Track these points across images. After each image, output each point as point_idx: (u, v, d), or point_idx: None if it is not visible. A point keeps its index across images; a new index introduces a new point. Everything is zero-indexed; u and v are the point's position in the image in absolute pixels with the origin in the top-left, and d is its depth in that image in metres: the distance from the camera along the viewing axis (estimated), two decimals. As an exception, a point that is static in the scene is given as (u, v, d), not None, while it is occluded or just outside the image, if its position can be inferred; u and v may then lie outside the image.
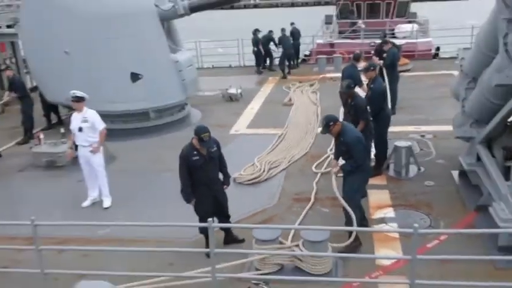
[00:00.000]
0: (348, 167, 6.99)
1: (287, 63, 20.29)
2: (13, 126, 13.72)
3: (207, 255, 5.89)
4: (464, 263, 6.22)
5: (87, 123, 8.85)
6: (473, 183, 8.45)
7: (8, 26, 16.49)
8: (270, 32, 21.05)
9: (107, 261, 6.73)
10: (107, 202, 9.14)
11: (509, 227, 6.44)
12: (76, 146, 9.18)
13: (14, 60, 17.81)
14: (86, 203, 9.22)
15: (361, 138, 7.09)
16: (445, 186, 8.99)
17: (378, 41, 16.77)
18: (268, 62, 21.45)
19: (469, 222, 7.65)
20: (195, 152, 6.70)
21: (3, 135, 13.77)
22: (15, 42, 17.38)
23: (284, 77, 19.45)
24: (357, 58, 12.36)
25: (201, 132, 6.55)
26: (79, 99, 8.91)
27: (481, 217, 7.59)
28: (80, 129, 8.85)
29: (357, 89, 10.02)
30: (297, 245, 6.54)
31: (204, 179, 6.83)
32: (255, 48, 20.58)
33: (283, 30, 20.46)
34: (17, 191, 10.40)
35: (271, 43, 20.86)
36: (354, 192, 7.10)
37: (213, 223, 5.36)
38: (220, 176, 7.18)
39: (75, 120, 8.99)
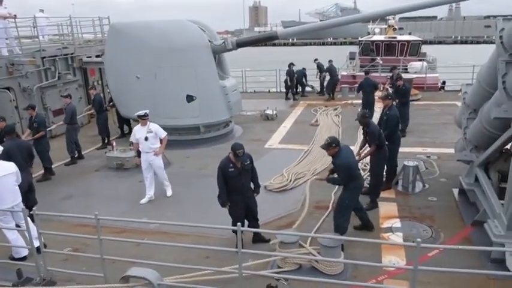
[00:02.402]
0: (331, 182, 7.11)
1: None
2: (95, 134, 13.88)
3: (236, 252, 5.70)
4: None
5: (151, 133, 8.97)
6: (471, 201, 7.88)
7: (97, 56, 16.87)
8: (303, 69, 20.66)
9: (156, 250, 6.62)
10: (169, 192, 9.36)
11: (502, 242, 6.02)
12: (139, 153, 9.16)
13: (100, 82, 18.22)
14: (143, 201, 9.15)
15: (349, 166, 6.72)
16: (446, 202, 8.38)
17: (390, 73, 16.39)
18: (301, 90, 20.87)
19: (466, 235, 7.07)
20: (231, 165, 6.50)
21: (88, 141, 13.97)
22: (102, 69, 17.77)
23: (332, 98, 19.24)
24: (367, 72, 16.27)
25: (236, 148, 6.38)
26: (146, 116, 9.03)
27: (476, 231, 7.04)
28: (146, 139, 8.94)
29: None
30: (316, 250, 6.16)
31: (237, 187, 6.59)
32: (287, 78, 20.07)
33: (330, 61, 20.07)
34: (93, 186, 10.47)
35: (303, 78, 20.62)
36: (344, 208, 6.90)
37: (241, 227, 5.05)
38: (252, 185, 6.91)
39: (140, 132, 9.03)
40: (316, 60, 21.04)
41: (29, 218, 6.16)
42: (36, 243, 6.22)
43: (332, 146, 6.67)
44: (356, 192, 6.99)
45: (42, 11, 17.40)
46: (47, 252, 6.17)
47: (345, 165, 6.65)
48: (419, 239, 4.52)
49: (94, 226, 7.02)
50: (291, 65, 20.06)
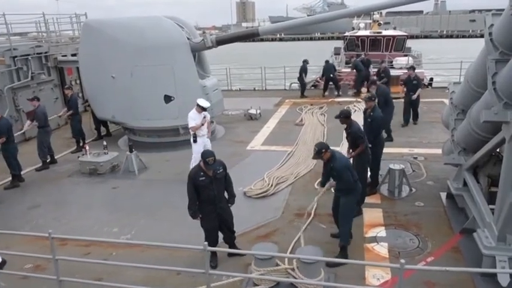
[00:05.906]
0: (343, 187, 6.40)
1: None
2: (72, 136, 13.24)
3: (212, 266, 5.27)
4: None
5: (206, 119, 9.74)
6: (460, 206, 7.47)
7: (73, 55, 16.17)
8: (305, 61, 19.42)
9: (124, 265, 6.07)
10: None
11: (492, 255, 5.60)
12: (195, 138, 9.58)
13: (78, 81, 17.50)
14: None
15: (349, 165, 6.45)
16: (433, 207, 7.96)
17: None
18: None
19: (454, 244, 6.67)
20: (201, 173, 6.01)
21: (63, 144, 13.35)
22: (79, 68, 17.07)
23: (359, 92, 18.76)
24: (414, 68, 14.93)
25: (206, 156, 5.91)
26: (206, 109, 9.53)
27: (466, 239, 6.63)
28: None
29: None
30: (292, 268, 5.68)
31: (209, 197, 6.11)
32: (304, 76, 18.95)
33: (358, 56, 19.41)
34: (64, 193, 9.84)
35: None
36: (350, 211, 6.51)
37: (209, 247, 4.56)
38: (226, 194, 6.42)
39: (199, 118, 9.45)
40: (327, 61, 19.87)
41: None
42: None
43: (323, 152, 6.28)
44: (357, 195, 6.65)
45: None
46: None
47: (346, 165, 6.34)
48: (403, 260, 4.07)
49: (60, 239, 6.55)
50: (305, 62, 19.05)
